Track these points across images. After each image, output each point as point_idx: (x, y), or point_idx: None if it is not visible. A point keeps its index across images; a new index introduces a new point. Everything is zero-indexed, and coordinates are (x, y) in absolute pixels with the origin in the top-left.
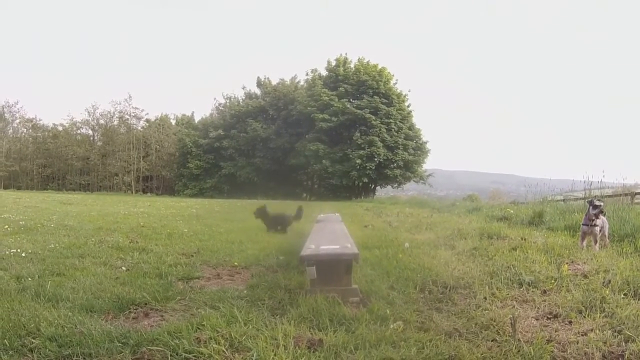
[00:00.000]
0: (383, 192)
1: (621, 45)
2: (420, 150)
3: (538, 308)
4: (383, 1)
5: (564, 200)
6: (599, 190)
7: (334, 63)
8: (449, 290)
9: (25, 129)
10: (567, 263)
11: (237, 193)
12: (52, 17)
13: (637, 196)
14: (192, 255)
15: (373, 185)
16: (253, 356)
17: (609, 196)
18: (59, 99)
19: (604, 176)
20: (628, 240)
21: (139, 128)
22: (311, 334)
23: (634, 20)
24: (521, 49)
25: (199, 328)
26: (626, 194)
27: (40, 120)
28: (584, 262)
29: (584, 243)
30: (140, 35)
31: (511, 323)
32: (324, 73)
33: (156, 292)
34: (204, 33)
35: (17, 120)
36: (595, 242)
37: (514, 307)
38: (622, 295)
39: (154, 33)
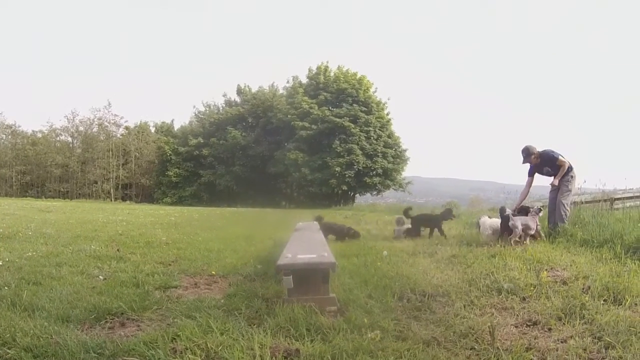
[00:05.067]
0: (362, 199)
1: (610, 51)
2: (399, 158)
3: (517, 315)
4: (363, 6)
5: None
6: (578, 197)
7: (314, 71)
8: (428, 299)
9: (4, 136)
10: (546, 270)
11: (217, 201)
12: (30, 21)
13: (616, 202)
14: (170, 264)
15: (352, 193)
16: None
17: (588, 202)
18: (38, 105)
19: (584, 182)
20: (607, 246)
21: (119, 135)
22: (288, 343)
23: (633, 26)
24: (502, 56)
25: (174, 338)
26: (605, 200)
27: (19, 126)
28: (564, 269)
29: None
30: (119, 43)
31: (490, 331)
32: (304, 80)
33: (133, 301)
34: (184, 41)
35: None
36: None
37: (492, 314)
38: (602, 302)
39: (134, 40)
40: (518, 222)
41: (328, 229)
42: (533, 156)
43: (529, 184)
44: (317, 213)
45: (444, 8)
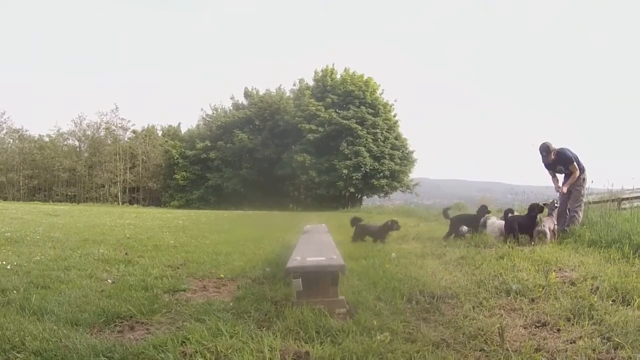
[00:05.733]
0: (370, 201)
1: (614, 48)
2: (406, 159)
3: (526, 317)
4: (369, 4)
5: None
6: (585, 197)
7: (320, 73)
8: (437, 300)
9: (11, 140)
10: (554, 270)
11: (224, 204)
12: (35, 25)
13: (624, 202)
14: (178, 267)
15: (360, 195)
16: None
17: (596, 202)
18: (45, 109)
19: (592, 182)
20: (615, 247)
21: (126, 139)
22: (297, 346)
23: (633, 25)
24: (506, 57)
25: (184, 342)
26: (613, 200)
27: (27, 130)
28: (572, 269)
29: None
30: (127, 47)
31: (499, 332)
32: (311, 83)
33: (142, 305)
34: (190, 44)
35: (4, 131)
36: None
37: (501, 316)
38: (611, 302)
39: (142, 44)
40: (546, 225)
41: (365, 231)
42: (552, 153)
43: (553, 174)
44: (325, 215)
45: (450, 9)
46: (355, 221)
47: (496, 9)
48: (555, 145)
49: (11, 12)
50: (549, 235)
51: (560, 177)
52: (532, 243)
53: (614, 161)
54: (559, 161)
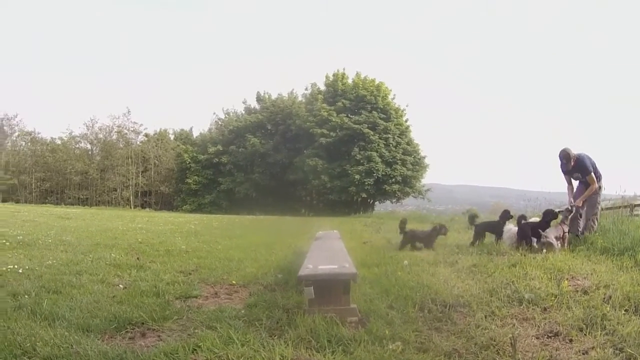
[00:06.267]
0: (382, 207)
1: (614, 48)
2: (418, 165)
3: (538, 326)
4: (380, 6)
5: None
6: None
7: (331, 78)
8: (449, 309)
9: (24, 142)
10: (567, 279)
11: (236, 209)
12: (47, 29)
13: (637, 208)
14: (190, 273)
15: (372, 201)
16: None
17: (608, 208)
18: (57, 112)
19: (604, 189)
20: (628, 254)
21: (138, 143)
22: (309, 355)
23: (633, 25)
24: (519, 60)
25: (195, 349)
26: (625, 206)
27: (39, 133)
28: (584, 278)
29: None
30: (138, 50)
31: (511, 343)
32: (322, 87)
33: (153, 311)
34: (202, 47)
35: (16, 134)
36: None
37: (514, 325)
38: (623, 312)
39: (153, 47)
40: (550, 235)
41: (416, 237)
42: (572, 159)
43: (569, 181)
44: (337, 221)
45: (462, 13)
46: (403, 225)
47: (496, 9)
48: (573, 150)
49: (27, 15)
50: (555, 244)
51: (575, 182)
52: (543, 250)
53: (627, 167)
54: (576, 168)
